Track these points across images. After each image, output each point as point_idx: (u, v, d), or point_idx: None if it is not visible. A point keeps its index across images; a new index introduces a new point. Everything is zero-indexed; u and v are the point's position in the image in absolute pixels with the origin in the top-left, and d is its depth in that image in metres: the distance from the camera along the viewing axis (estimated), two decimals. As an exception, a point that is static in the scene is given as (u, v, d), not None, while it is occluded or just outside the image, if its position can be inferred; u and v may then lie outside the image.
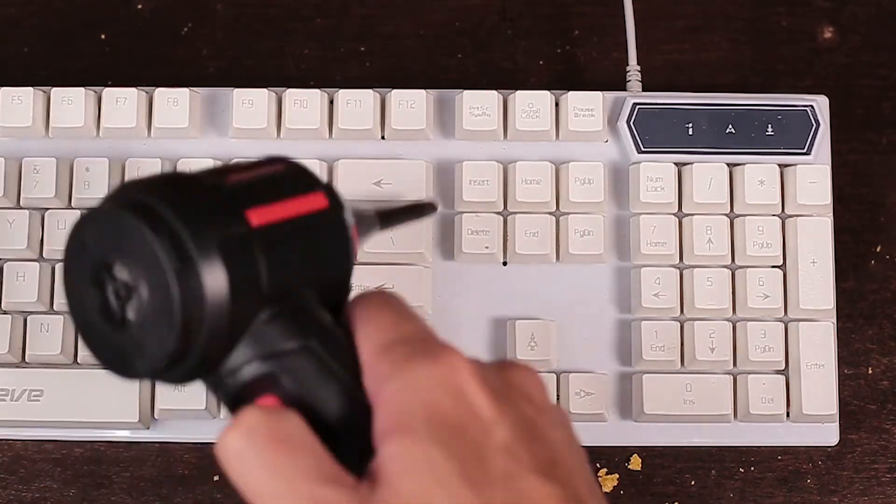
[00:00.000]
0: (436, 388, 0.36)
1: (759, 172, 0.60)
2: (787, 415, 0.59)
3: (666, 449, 0.61)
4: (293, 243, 0.38)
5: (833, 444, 0.60)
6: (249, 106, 0.60)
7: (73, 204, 0.60)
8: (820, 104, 0.61)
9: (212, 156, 0.60)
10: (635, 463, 0.61)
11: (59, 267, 0.59)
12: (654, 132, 0.61)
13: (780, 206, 0.60)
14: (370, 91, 0.61)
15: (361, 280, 0.59)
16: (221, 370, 0.37)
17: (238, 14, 0.67)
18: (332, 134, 0.61)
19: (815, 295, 0.59)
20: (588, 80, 0.66)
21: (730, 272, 0.60)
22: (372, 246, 0.59)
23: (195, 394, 0.57)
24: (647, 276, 0.59)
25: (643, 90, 0.63)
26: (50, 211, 0.59)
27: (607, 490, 0.61)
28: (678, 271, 0.59)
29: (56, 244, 0.59)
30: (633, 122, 0.61)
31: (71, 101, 0.60)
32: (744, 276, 0.59)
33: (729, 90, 0.64)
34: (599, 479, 0.61)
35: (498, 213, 0.60)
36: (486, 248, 0.59)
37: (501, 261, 0.60)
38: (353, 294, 0.40)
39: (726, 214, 0.60)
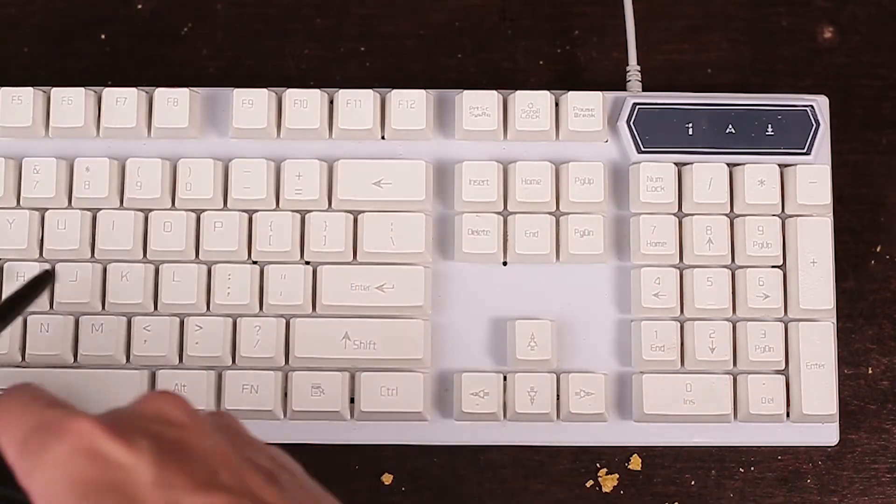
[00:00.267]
0: (71, 460, 0.36)
1: (759, 172, 0.60)
2: (787, 415, 0.59)
3: (666, 449, 0.61)
4: None
5: (833, 444, 0.60)
6: (249, 106, 0.60)
7: (73, 204, 0.60)
8: (820, 104, 0.61)
9: (212, 155, 0.60)
10: (635, 463, 0.61)
11: (58, 267, 0.59)
12: (654, 132, 0.61)
13: (780, 206, 0.60)
14: (370, 91, 0.61)
15: (361, 281, 0.59)
16: None
17: (238, 14, 0.67)
18: (332, 134, 0.61)
19: (815, 295, 0.59)
20: (588, 80, 0.66)
21: (730, 272, 0.60)
22: (371, 246, 0.59)
23: (195, 394, 0.57)
24: (646, 276, 0.59)
25: (643, 90, 0.63)
26: (50, 211, 0.59)
27: (607, 490, 0.61)
28: (678, 271, 0.59)
29: (56, 244, 0.59)
30: (633, 122, 0.61)
31: (71, 101, 0.60)
32: (744, 276, 0.59)
33: (729, 90, 0.64)
34: (599, 478, 0.61)
35: (498, 213, 0.60)
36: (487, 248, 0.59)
37: (501, 261, 0.60)
38: None
39: (726, 214, 0.60)
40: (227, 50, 0.66)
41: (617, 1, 0.64)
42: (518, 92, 0.61)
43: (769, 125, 0.61)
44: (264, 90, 0.60)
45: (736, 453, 0.61)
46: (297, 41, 0.67)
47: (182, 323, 0.59)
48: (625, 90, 0.63)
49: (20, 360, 0.58)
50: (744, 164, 0.60)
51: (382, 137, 0.61)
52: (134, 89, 0.60)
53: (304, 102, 0.60)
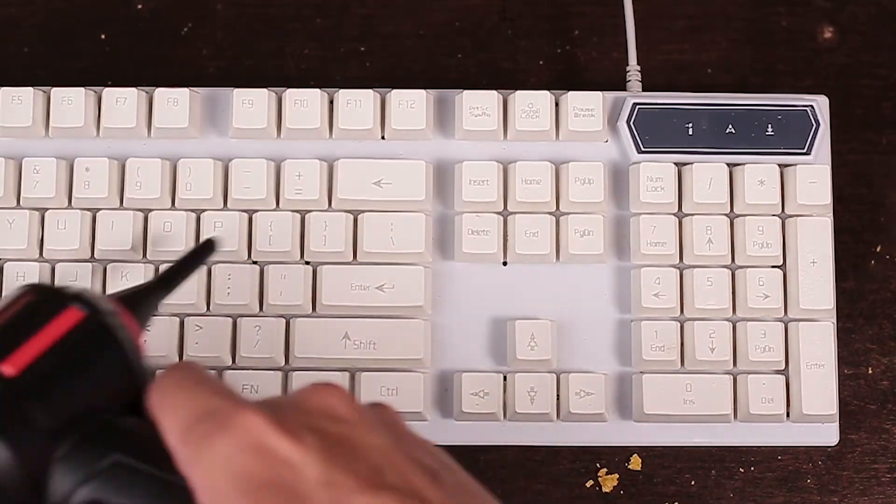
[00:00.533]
0: (237, 455, 0.36)
1: (759, 172, 0.60)
2: (787, 415, 0.59)
3: (666, 449, 0.61)
4: (60, 373, 0.38)
5: (833, 444, 0.60)
6: (249, 106, 0.60)
7: (73, 204, 0.60)
8: (820, 104, 0.61)
9: (212, 155, 0.60)
10: (635, 463, 0.61)
11: (58, 267, 0.59)
12: (654, 132, 0.61)
13: (780, 206, 0.60)
14: (370, 91, 0.61)
15: (361, 281, 0.59)
16: None
17: (238, 14, 0.67)
18: (332, 134, 0.61)
19: (815, 295, 0.59)
20: (588, 80, 0.66)
21: (730, 272, 0.60)
22: (371, 246, 0.59)
23: (195, 394, 0.57)
24: (646, 276, 0.59)
25: (643, 90, 0.63)
26: (50, 211, 0.59)
27: (607, 490, 0.61)
28: (678, 271, 0.59)
29: (56, 244, 0.59)
30: (633, 122, 0.61)
31: (71, 101, 0.60)
32: (744, 276, 0.59)
33: (729, 90, 0.64)
34: (599, 478, 0.61)
35: (498, 213, 0.60)
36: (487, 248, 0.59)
37: (501, 261, 0.60)
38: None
39: (726, 214, 0.60)
40: (227, 50, 0.66)
41: (617, 1, 0.64)
42: (518, 92, 0.61)
43: (769, 125, 0.61)
44: (264, 90, 0.60)
45: (736, 453, 0.61)
46: (297, 41, 0.67)
47: (182, 323, 0.59)
48: (625, 90, 0.63)
49: (20, 360, 0.59)
50: (744, 164, 0.60)
51: (382, 137, 0.61)
52: (134, 89, 0.60)
53: (304, 102, 0.60)
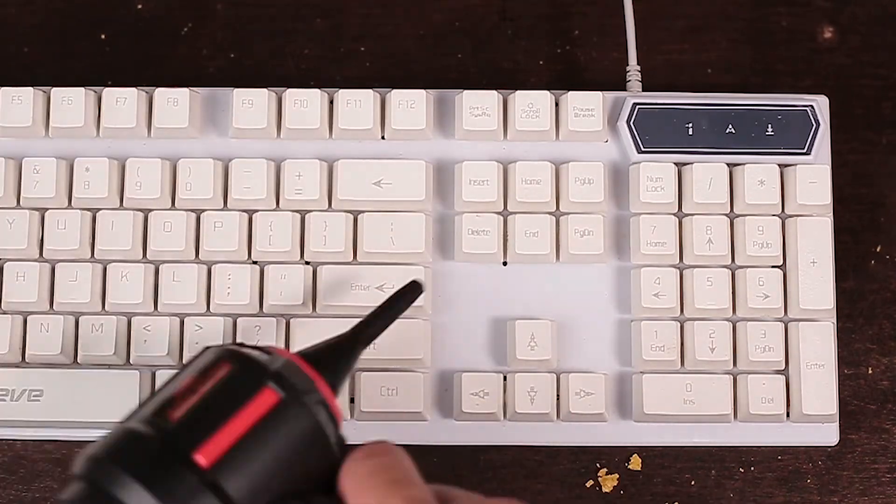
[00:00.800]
0: None
1: (759, 172, 0.60)
2: (787, 415, 0.59)
3: (666, 449, 0.61)
4: (256, 461, 0.38)
5: (833, 444, 0.60)
6: (249, 106, 0.60)
7: (73, 204, 0.60)
8: (820, 104, 0.61)
9: (212, 155, 0.60)
10: (635, 463, 0.61)
11: (58, 267, 0.59)
12: (654, 132, 0.61)
13: (780, 206, 0.60)
14: (370, 91, 0.61)
15: (361, 280, 0.59)
16: None
17: (238, 14, 0.67)
18: (332, 134, 0.61)
19: (815, 295, 0.59)
20: (588, 80, 0.66)
21: (730, 272, 0.60)
22: (371, 246, 0.59)
23: (195, 394, 0.58)
24: (646, 276, 0.59)
25: (643, 90, 0.63)
26: (50, 211, 0.59)
27: (607, 490, 0.61)
28: (678, 271, 0.59)
29: (56, 244, 0.59)
30: (633, 122, 0.61)
31: (71, 101, 0.60)
32: (744, 276, 0.59)
33: (729, 90, 0.64)
34: (599, 478, 0.61)
35: (498, 213, 0.60)
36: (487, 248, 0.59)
37: (501, 261, 0.60)
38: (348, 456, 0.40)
39: (726, 214, 0.60)
40: (227, 50, 0.66)
41: (617, 1, 0.64)
42: (518, 92, 0.61)
43: (769, 125, 0.61)
44: (264, 90, 0.60)
45: (736, 453, 0.61)
46: (297, 41, 0.67)
47: (182, 323, 0.59)
48: (625, 90, 0.63)
49: (20, 360, 0.59)
50: (744, 164, 0.60)
51: (382, 137, 0.61)
52: (134, 89, 0.60)
53: (304, 102, 0.60)
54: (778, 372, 0.59)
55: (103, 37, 0.67)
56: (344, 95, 0.60)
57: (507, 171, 0.60)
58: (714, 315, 0.59)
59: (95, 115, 0.61)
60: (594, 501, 0.61)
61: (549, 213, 0.60)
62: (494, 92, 0.61)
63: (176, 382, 0.41)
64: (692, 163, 0.60)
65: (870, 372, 0.63)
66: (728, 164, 0.60)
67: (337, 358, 0.45)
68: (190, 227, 0.59)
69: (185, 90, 0.60)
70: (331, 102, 0.61)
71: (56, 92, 0.60)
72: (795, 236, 0.60)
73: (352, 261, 0.59)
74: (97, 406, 0.58)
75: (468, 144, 0.61)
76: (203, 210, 0.60)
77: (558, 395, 0.59)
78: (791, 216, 0.60)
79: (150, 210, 0.60)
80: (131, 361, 0.59)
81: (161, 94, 0.61)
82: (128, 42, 0.66)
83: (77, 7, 0.67)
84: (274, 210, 0.60)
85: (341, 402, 0.58)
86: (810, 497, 0.61)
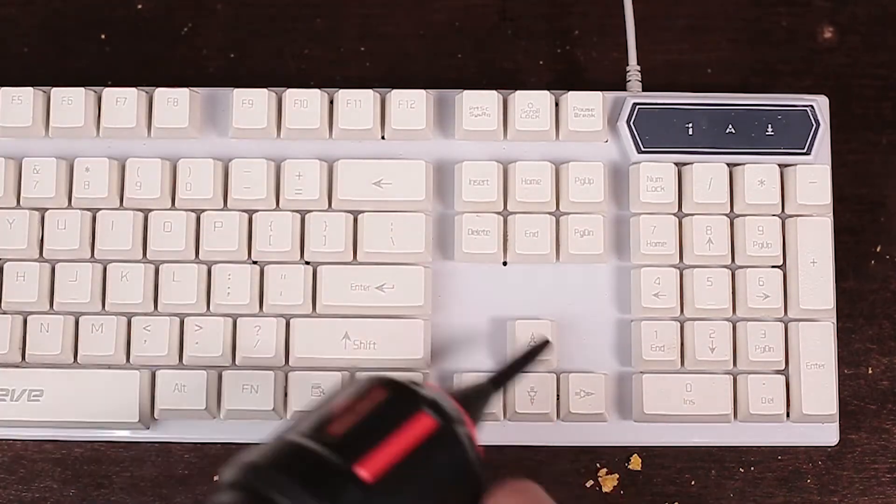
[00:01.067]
0: None
1: (759, 172, 0.60)
2: (787, 415, 0.59)
3: (666, 449, 0.61)
4: (412, 482, 0.39)
5: (833, 444, 0.60)
6: (249, 106, 0.60)
7: (73, 204, 0.60)
8: (820, 104, 0.61)
9: (212, 155, 0.60)
10: (635, 463, 0.61)
11: (58, 267, 0.59)
12: (654, 132, 0.61)
13: (780, 206, 0.60)
14: (370, 91, 0.61)
15: (361, 281, 0.59)
16: None
17: (238, 14, 0.67)
18: (332, 134, 0.61)
19: (815, 295, 0.59)
20: (588, 80, 0.66)
21: (730, 272, 0.60)
22: (371, 246, 0.59)
23: (195, 394, 0.57)
24: (646, 276, 0.59)
25: (643, 90, 0.63)
26: (50, 211, 0.59)
27: (607, 490, 0.61)
28: (678, 271, 0.59)
29: (56, 244, 0.59)
30: (633, 122, 0.61)
31: (71, 101, 0.60)
32: (744, 276, 0.59)
33: (729, 90, 0.64)
34: (599, 478, 0.61)
35: (498, 213, 0.60)
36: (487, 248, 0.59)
37: (501, 261, 0.60)
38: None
39: (726, 214, 0.60)
40: (227, 50, 0.66)
41: (617, 1, 0.64)
42: (518, 92, 0.61)
43: (769, 125, 0.61)
44: (264, 90, 0.60)
45: (736, 453, 0.61)
46: (297, 41, 0.67)
47: (182, 323, 0.59)
48: (625, 90, 0.63)
49: (20, 359, 0.59)
50: (744, 164, 0.60)
51: (382, 137, 0.61)
52: (134, 89, 0.60)
53: (304, 102, 0.60)
54: (778, 372, 0.59)
55: (103, 37, 0.67)
56: (344, 95, 0.60)
57: (507, 171, 0.60)
58: (714, 315, 0.59)
59: (95, 115, 0.61)
60: (594, 501, 0.61)
61: (549, 213, 0.60)
62: (494, 92, 0.61)
63: (330, 404, 0.41)
64: (692, 163, 0.60)
65: (870, 372, 0.63)
66: (728, 164, 0.60)
67: (477, 398, 0.46)
68: (190, 227, 0.59)
69: (185, 90, 0.60)
70: (331, 102, 0.61)
71: (56, 92, 0.60)
72: (795, 236, 0.60)
73: (352, 261, 0.59)
74: (97, 406, 0.58)
75: (468, 144, 0.61)
76: (203, 210, 0.60)
77: (558, 395, 0.59)
78: (791, 216, 0.60)
79: (150, 210, 0.60)
80: (131, 361, 0.59)
81: (161, 94, 0.61)
82: (128, 42, 0.66)
83: (77, 7, 0.67)
84: (274, 210, 0.60)
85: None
86: (810, 497, 0.61)
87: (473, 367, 0.59)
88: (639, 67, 0.63)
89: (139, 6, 0.67)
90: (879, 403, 0.62)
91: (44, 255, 0.59)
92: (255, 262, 0.59)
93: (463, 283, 0.60)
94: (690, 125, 0.61)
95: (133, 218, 0.59)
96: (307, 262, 0.59)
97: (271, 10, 0.67)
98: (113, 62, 0.66)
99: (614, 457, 0.61)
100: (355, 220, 0.60)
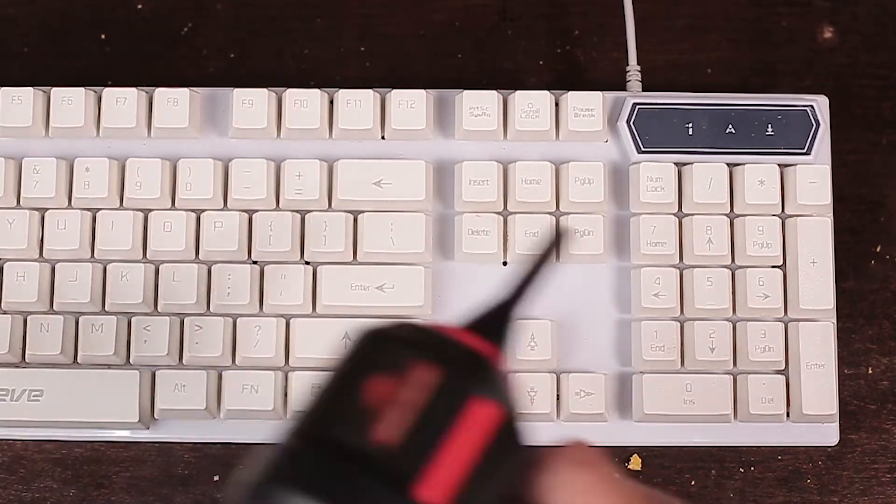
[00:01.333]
0: None
1: (759, 172, 0.60)
2: (787, 415, 0.59)
3: (666, 449, 0.61)
4: (484, 490, 0.33)
5: (833, 444, 0.60)
6: (249, 106, 0.60)
7: (73, 204, 0.60)
8: (820, 104, 0.61)
9: (212, 155, 0.60)
10: (635, 463, 0.61)
11: (58, 267, 0.59)
12: (654, 132, 0.61)
13: (780, 206, 0.60)
14: (370, 91, 0.61)
15: (361, 281, 0.59)
16: None
17: (238, 14, 0.67)
18: (332, 134, 0.61)
19: (815, 295, 0.59)
20: (588, 80, 0.66)
21: (730, 272, 0.60)
22: (371, 246, 0.59)
23: (195, 394, 0.57)
24: (646, 276, 0.59)
25: (643, 90, 0.63)
26: (50, 211, 0.59)
27: (607, 490, 0.61)
28: (678, 271, 0.59)
29: (56, 244, 0.59)
30: (633, 122, 0.61)
31: (71, 101, 0.60)
32: (744, 276, 0.59)
33: (729, 90, 0.64)
34: (599, 479, 0.61)
35: (498, 213, 0.60)
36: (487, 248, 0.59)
37: (501, 261, 0.60)
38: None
39: (726, 214, 0.60)
40: (227, 50, 0.66)
41: (617, 1, 0.64)
42: (518, 92, 0.61)
43: (769, 125, 0.61)
44: (264, 90, 0.60)
45: (736, 453, 0.61)
46: (297, 41, 0.67)
47: (182, 323, 0.59)
48: (625, 90, 0.63)
49: (20, 359, 0.59)
50: (744, 164, 0.60)
51: (382, 137, 0.61)
52: (134, 89, 0.60)
53: (304, 102, 0.60)
54: (778, 372, 0.59)
55: (103, 37, 0.67)
56: (344, 95, 0.60)
57: (507, 171, 0.60)
58: (714, 315, 0.59)
59: (95, 115, 0.61)
60: (594, 501, 0.61)
61: (549, 213, 0.60)
62: (494, 92, 0.61)
63: (356, 382, 0.33)
64: (692, 163, 0.60)
65: (870, 372, 0.63)
66: (728, 164, 0.60)
67: (504, 325, 0.38)
68: (190, 227, 0.59)
69: (185, 90, 0.60)
70: (331, 102, 0.61)
71: (56, 92, 0.60)
72: (795, 236, 0.60)
73: (352, 261, 0.59)
74: (97, 406, 0.58)
75: (468, 144, 0.61)
76: (203, 210, 0.60)
77: (558, 395, 0.59)
78: (791, 216, 0.60)
79: (150, 210, 0.60)
80: (131, 361, 0.59)
81: (161, 94, 0.61)
82: (128, 42, 0.66)
83: (77, 7, 0.67)
84: (274, 210, 0.60)
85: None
86: (810, 497, 0.61)
87: (473, 367, 0.59)
88: (639, 67, 0.63)
89: (139, 6, 0.67)
90: (879, 403, 0.62)
91: (44, 255, 0.59)
92: (255, 262, 0.59)
93: (463, 284, 0.60)
94: (690, 125, 0.61)
95: (133, 218, 0.59)
96: (307, 262, 0.59)
97: (271, 10, 0.67)
98: (113, 62, 0.66)
99: (614, 457, 0.61)
100: (355, 220, 0.60)
